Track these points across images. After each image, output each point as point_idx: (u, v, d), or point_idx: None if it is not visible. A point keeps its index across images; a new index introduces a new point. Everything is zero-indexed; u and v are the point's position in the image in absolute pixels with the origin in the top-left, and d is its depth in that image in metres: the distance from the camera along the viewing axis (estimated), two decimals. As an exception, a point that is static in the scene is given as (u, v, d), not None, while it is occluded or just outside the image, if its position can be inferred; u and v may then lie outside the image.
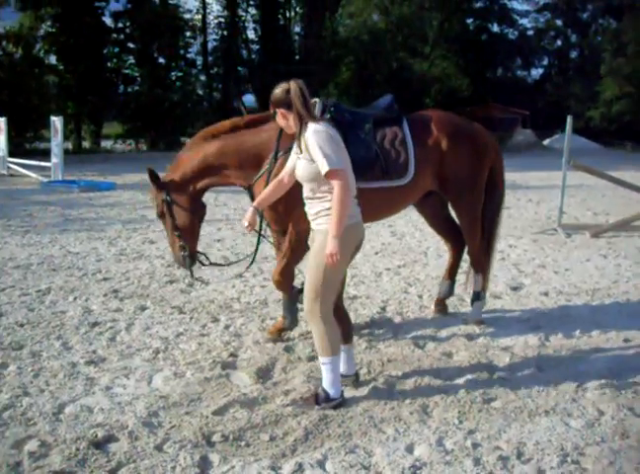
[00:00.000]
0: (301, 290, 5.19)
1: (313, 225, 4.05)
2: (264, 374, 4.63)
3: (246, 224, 4.34)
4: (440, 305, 6.18)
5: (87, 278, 7.28)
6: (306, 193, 4.03)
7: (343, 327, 4.30)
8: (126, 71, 38.57)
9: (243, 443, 3.64)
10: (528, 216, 13.01)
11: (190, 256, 5.15)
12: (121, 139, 37.67)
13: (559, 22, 70.95)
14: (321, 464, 3.42)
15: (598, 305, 6.51)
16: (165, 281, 7.19)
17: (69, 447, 3.53)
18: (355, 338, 5.23)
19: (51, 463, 3.37)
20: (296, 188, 4.22)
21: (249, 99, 50.02)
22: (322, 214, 3.92)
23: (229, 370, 4.69)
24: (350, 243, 3.93)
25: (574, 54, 71.71)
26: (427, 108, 52.74)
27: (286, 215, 4.85)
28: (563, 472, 3.38)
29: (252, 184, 4.98)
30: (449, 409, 4.08)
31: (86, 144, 36.67)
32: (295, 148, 4.06)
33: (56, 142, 18.28)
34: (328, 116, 4.73)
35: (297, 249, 5.08)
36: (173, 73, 39.83)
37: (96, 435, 3.67)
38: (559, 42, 71.52)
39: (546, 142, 50.12)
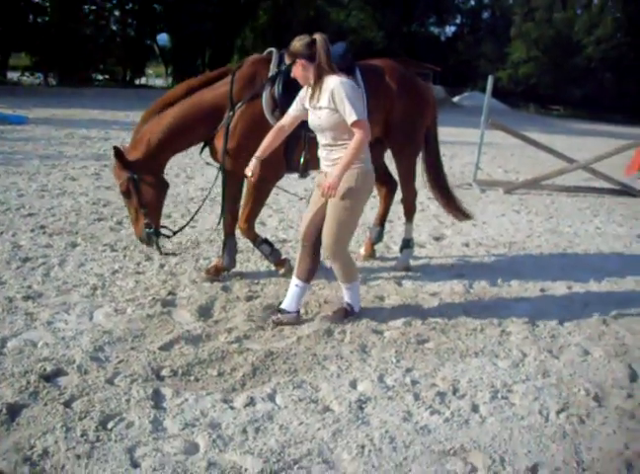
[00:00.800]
0: (265, 240, 5.48)
1: (331, 170, 4.23)
2: (204, 312, 4.72)
3: (250, 174, 4.44)
4: (369, 250, 6.39)
5: (11, 213, 7.10)
6: (326, 140, 4.28)
7: (313, 264, 4.68)
8: (37, 0, 36.80)
9: (192, 378, 3.74)
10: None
11: (155, 232, 5.17)
12: (29, 72, 36.06)
13: (474, -19, 71.81)
14: (271, 398, 3.57)
15: (515, 257, 6.86)
16: (93, 219, 7.10)
17: (19, 381, 3.53)
18: (289, 280, 5.39)
19: (2, 395, 3.37)
20: (253, 135, 4.54)
21: (163, 38, 48.77)
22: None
23: (170, 308, 4.75)
24: (369, 186, 4.43)
25: (485, 15, 72.85)
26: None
27: (245, 163, 4.74)
28: (495, 406, 3.65)
29: (212, 136, 5.03)
30: (387, 348, 4.29)
31: (-9, 75, 35.03)
32: (307, 99, 4.27)
33: (-38, 71, 17.40)
34: (284, 67, 4.75)
35: (261, 195, 5.23)
36: (86, 6, 38.31)
37: (44, 369, 3.68)
38: (472, 2, 72.46)
39: (456, 99, 51.10)
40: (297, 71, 4.23)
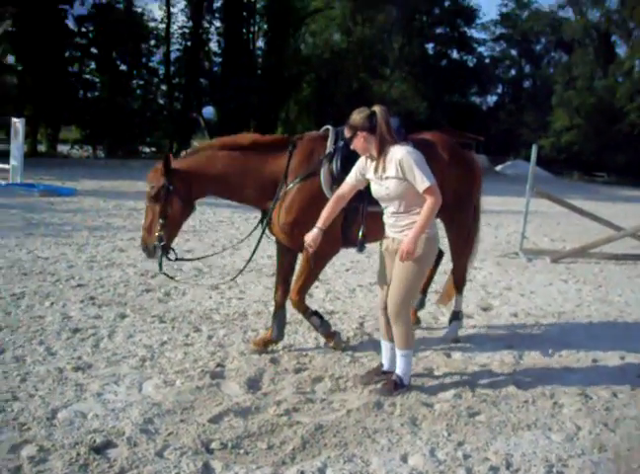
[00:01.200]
0: (315, 312, 5.45)
1: (399, 236, 4.39)
2: (253, 385, 4.71)
3: (311, 244, 4.54)
4: (413, 318, 6.33)
5: (61, 284, 7.25)
6: (394, 208, 4.40)
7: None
8: (87, 76, 38.27)
9: (242, 451, 3.72)
10: (489, 240, 13.30)
11: (163, 247, 5.10)
12: (79, 145, 37.22)
13: (514, 52, 72.74)
14: (322, 472, 3.52)
15: (564, 327, 6.75)
16: (141, 290, 7.20)
17: (69, 452, 3.55)
18: (337, 352, 5.40)
19: (53, 468, 3.40)
20: (310, 210, 4.69)
21: (209, 111, 50.00)
22: (412, 226, 4.32)
23: (219, 380, 4.75)
24: (435, 250, 4.56)
25: (527, 84, 73.50)
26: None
27: (301, 239, 4.82)
28: (550, 483, 3.55)
29: (269, 209, 5.12)
30: (438, 422, 4.23)
31: (42, 148, 36.15)
32: (370, 170, 4.45)
33: (16, 144, 18.05)
34: (341, 142, 4.90)
35: (314, 268, 5.24)
36: (134, 81, 39.70)
37: (94, 441, 3.70)
38: (513, 72, 73.31)
39: (499, 168, 51.14)
40: (358, 143, 4.39)
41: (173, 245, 5.26)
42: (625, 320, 7.22)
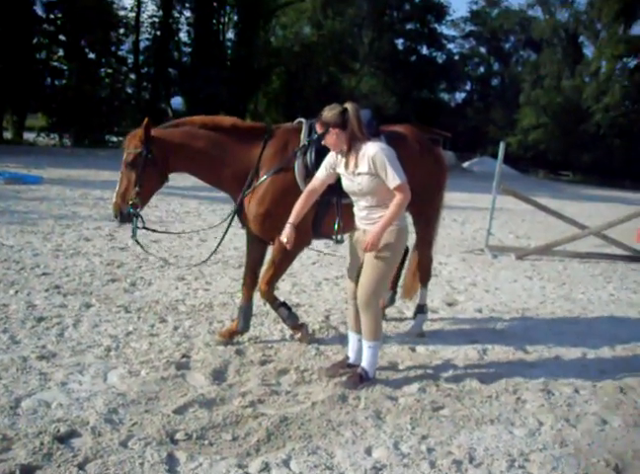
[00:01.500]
0: (283, 303, 5.47)
1: (371, 229, 4.44)
2: (218, 376, 4.70)
3: (285, 241, 4.55)
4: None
5: (26, 272, 7.15)
6: (366, 202, 4.47)
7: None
8: (55, 64, 37.72)
9: (206, 442, 3.72)
10: (455, 236, 13.41)
11: (136, 214, 5.03)
12: (45, 132, 36.68)
13: (483, 49, 73.30)
14: (286, 464, 3.53)
15: (528, 323, 6.82)
16: (107, 280, 7.14)
17: (32, 442, 3.53)
18: (303, 344, 5.42)
19: (16, 457, 3.37)
20: (284, 202, 4.72)
21: (177, 101, 49.66)
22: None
23: (184, 371, 4.73)
24: (404, 242, 4.63)
25: (495, 82, 74.13)
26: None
27: (274, 230, 4.95)
28: (512, 476, 3.61)
29: (241, 198, 5.12)
30: (402, 415, 4.26)
31: (8, 135, 35.58)
32: (341, 165, 4.49)
33: (-19, 132, 17.71)
34: (315, 135, 4.88)
35: (285, 260, 5.26)
36: (102, 69, 39.25)
37: (58, 430, 3.67)
38: (482, 69, 73.90)
39: (465, 165, 51.56)
40: (331, 139, 4.42)
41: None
42: (588, 317, 7.32)
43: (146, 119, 4.91)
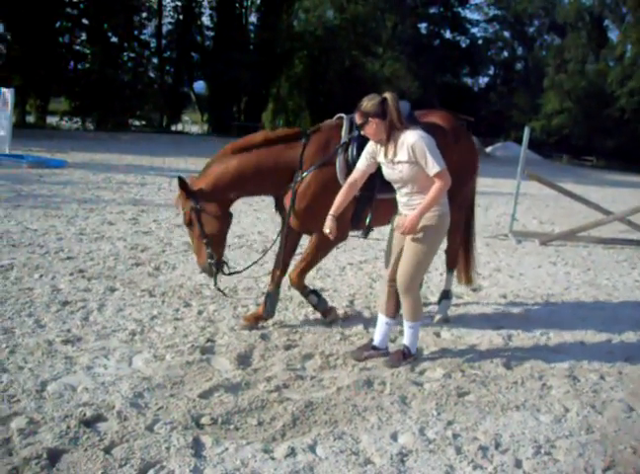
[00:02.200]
0: (314, 291, 5.57)
1: (410, 213, 4.51)
2: (243, 360, 4.71)
3: (328, 231, 4.63)
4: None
5: (50, 256, 7.20)
6: (407, 189, 4.53)
7: (398, 301, 4.86)
8: (78, 48, 37.83)
9: (232, 427, 3.73)
10: (479, 221, 13.25)
11: (216, 264, 5.24)
12: (68, 116, 36.85)
13: (507, 34, 72.50)
14: (312, 449, 3.53)
15: (553, 309, 6.77)
16: (131, 264, 7.16)
17: (59, 425, 3.54)
18: (328, 329, 5.41)
19: (43, 440, 3.38)
20: (325, 197, 4.80)
21: (200, 86, 49.73)
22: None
23: (209, 355, 4.75)
24: (445, 228, 4.66)
25: (519, 66, 73.33)
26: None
27: (313, 222, 5.03)
28: (538, 462, 3.59)
29: (281, 194, 5.24)
30: (427, 401, 4.24)
31: (31, 119, 35.77)
32: (381, 154, 4.53)
33: (5, 115, 17.80)
34: (356, 131, 4.90)
35: (321, 252, 5.35)
36: (125, 54, 39.31)
37: (84, 414, 3.68)
38: (505, 54, 73.10)
39: (488, 150, 51.18)
40: (370, 129, 4.45)
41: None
42: (614, 303, 7.26)
43: (178, 180, 5.14)
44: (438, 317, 6.02)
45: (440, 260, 6.71)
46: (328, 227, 4.62)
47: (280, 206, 5.40)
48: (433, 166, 4.30)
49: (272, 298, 5.47)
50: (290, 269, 5.52)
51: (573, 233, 11.47)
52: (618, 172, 46.50)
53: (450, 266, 6.24)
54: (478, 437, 3.81)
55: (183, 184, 5.09)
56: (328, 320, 5.62)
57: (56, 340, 4.79)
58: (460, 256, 6.42)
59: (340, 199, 4.67)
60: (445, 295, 6.13)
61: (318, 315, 5.74)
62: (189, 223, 5.22)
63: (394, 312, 4.93)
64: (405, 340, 4.88)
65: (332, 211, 4.65)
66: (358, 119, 4.51)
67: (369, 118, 4.40)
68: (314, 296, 5.56)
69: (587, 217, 12.80)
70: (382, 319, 4.95)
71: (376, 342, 4.97)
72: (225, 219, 5.30)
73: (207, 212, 5.13)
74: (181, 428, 3.64)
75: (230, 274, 5.52)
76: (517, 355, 5.25)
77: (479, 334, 5.72)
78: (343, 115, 5.29)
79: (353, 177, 4.70)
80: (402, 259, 4.64)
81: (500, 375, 4.78)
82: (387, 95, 4.43)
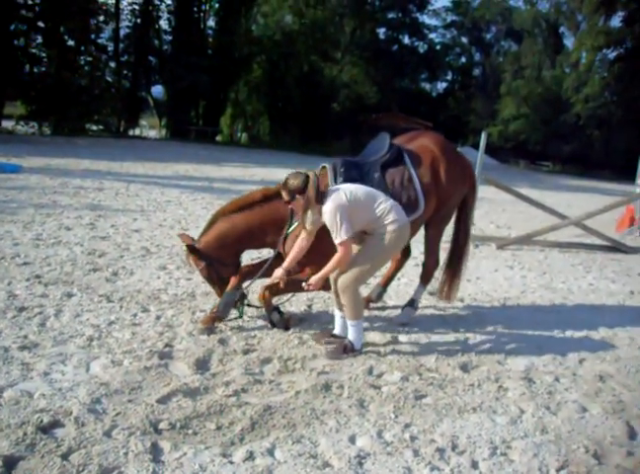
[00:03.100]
0: (276, 308, 5.71)
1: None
2: (202, 365, 4.70)
3: (277, 281, 5.23)
4: (365, 306, 6.41)
5: (6, 262, 7.08)
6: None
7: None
8: (34, 51, 37.23)
9: (191, 431, 3.72)
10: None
11: (240, 298, 5.57)
12: (24, 121, 36.24)
13: (465, 40, 73.37)
14: (270, 452, 3.54)
15: (509, 312, 6.88)
16: (88, 269, 7.09)
17: (15, 432, 3.50)
18: (286, 333, 5.44)
19: (-1, 448, 3.35)
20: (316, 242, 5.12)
21: (158, 90, 49.37)
22: (387, 222, 4.93)
23: (167, 360, 4.73)
24: (399, 241, 5.04)
25: (476, 72, 74.25)
26: (334, 112, 53.41)
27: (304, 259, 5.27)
28: (494, 463, 3.65)
29: (278, 245, 5.56)
30: (385, 404, 4.28)
31: (-15, 124, 35.14)
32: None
33: (-41, 120, 17.45)
34: (341, 178, 5.40)
35: (296, 287, 5.45)
36: (82, 57, 38.80)
37: (41, 421, 3.64)
38: (463, 59, 73.98)
39: (447, 155, 51.59)
40: (298, 205, 4.91)
41: None
42: (568, 306, 7.40)
43: (187, 247, 5.51)
44: (397, 320, 6.08)
45: (408, 266, 6.79)
46: (277, 278, 5.11)
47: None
48: (337, 236, 4.76)
49: (227, 298, 5.53)
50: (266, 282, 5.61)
51: (529, 237, 11.66)
52: (574, 177, 47.35)
53: (423, 279, 6.33)
54: (435, 440, 3.86)
55: (192, 250, 5.48)
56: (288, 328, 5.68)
57: (12, 346, 4.72)
58: (447, 272, 6.51)
59: (295, 255, 5.07)
60: (411, 304, 6.22)
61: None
62: (208, 278, 5.63)
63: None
64: (349, 335, 5.11)
65: (285, 266, 5.09)
66: (284, 197, 4.93)
67: (296, 196, 4.83)
68: (277, 314, 5.66)
69: (543, 222, 13.01)
70: (337, 313, 5.31)
71: (336, 331, 5.33)
72: (238, 265, 5.74)
73: (223, 265, 5.55)
74: (139, 433, 3.62)
75: (249, 306, 5.84)
76: (473, 357, 5.32)
77: (436, 337, 5.79)
78: (326, 164, 5.63)
79: (298, 243, 5.09)
80: (354, 260, 4.96)
81: (457, 378, 4.84)
82: (310, 175, 4.87)
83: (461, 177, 6.06)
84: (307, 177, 4.83)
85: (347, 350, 5.06)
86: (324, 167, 5.63)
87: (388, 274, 6.64)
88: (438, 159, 5.82)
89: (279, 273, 5.08)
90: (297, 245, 5.08)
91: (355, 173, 5.52)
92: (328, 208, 4.78)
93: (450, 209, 6.12)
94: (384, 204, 4.95)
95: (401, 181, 5.60)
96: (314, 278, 4.97)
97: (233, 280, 5.64)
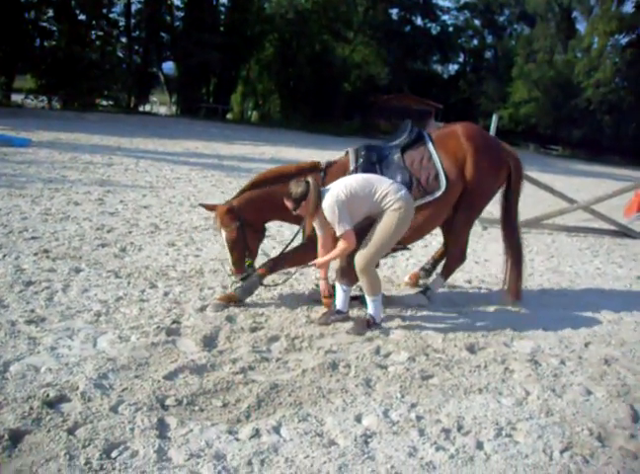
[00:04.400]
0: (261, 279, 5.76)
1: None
2: (209, 342, 4.71)
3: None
4: (414, 279, 6.75)
5: (14, 236, 7.10)
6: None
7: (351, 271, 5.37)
8: (44, 24, 37.08)
9: (197, 408, 3.73)
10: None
11: (253, 269, 5.68)
12: (34, 95, 36.20)
13: (477, 22, 72.76)
14: (277, 430, 3.55)
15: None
16: (97, 245, 7.10)
17: (21, 406, 3.51)
18: (294, 312, 5.44)
19: (5, 421, 3.35)
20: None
21: (169, 66, 49.20)
22: (388, 204, 5.06)
23: (174, 337, 4.74)
24: (407, 220, 5.16)
25: (488, 55, 73.64)
26: (345, 92, 53.20)
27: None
28: (499, 444, 3.65)
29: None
30: (391, 383, 4.28)
31: (-6, 96, 35.11)
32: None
33: (-32, 92, 17.43)
34: (361, 160, 5.64)
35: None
36: (93, 32, 38.66)
37: (47, 395, 3.65)
38: (475, 42, 73.35)
39: (456, 136, 51.36)
40: (304, 210, 5.11)
41: None
42: (575, 290, 7.38)
43: (228, 206, 5.60)
44: (401, 301, 6.13)
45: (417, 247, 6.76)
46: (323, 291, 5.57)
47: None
48: (337, 229, 4.97)
49: (250, 284, 5.63)
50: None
51: (538, 221, 11.62)
52: (583, 161, 47.08)
53: (444, 272, 6.36)
54: (441, 420, 3.86)
55: (229, 208, 5.54)
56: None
57: (19, 320, 4.74)
58: (509, 267, 6.44)
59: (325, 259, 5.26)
60: (425, 291, 6.25)
61: (284, 298, 5.83)
62: (235, 240, 5.57)
63: (350, 281, 5.43)
64: (369, 310, 5.31)
65: (322, 275, 5.57)
66: (289, 206, 5.10)
67: (302, 203, 5.03)
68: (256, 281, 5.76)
69: (552, 206, 12.95)
70: (340, 287, 5.46)
71: (339, 307, 5.47)
72: (263, 234, 5.88)
73: (250, 228, 5.62)
74: (145, 409, 3.63)
75: (265, 286, 5.88)
76: (480, 339, 5.32)
77: (444, 318, 5.78)
78: (349, 149, 5.85)
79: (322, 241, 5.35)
80: (365, 242, 5.13)
81: (463, 359, 4.84)
82: (311, 181, 5.05)
83: (494, 166, 5.98)
84: (308, 183, 5.03)
85: (370, 324, 5.27)
86: (347, 152, 5.84)
87: (439, 253, 6.87)
88: (463, 144, 5.82)
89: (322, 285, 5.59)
90: (323, 248, 5.34)
91: (374, 156, 5.71)
92: (326, 205, 4.98)
93: (481, 197, 6.00)
94: (382, 188, 5.08)
95: (420, 160, 5.69)
96: (319, 260, 5.22)
97: (272, 267, 5.74)
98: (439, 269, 6.65)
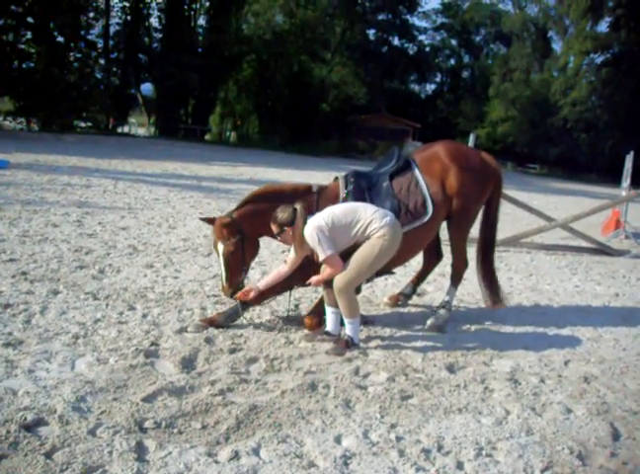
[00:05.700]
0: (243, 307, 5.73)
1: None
2: (187, 364, 4.69)
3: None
4: (394, 300, 6.83)
5: (-9, 259, 7.05)
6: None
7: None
8: (23, 46, 37.01)
9: (176, 431, 3.70)
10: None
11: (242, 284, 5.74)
12: (12, 116, 36.07)
13: (454, 42, 73.65)
14: (256, 452, 3.53)
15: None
16: (75, 266, 7.06)
17: (-2, 430, 3.48)
18: (272, 333, 5.43)
19: (-19, 445, 3.32)
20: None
21: (147, 88, 49.24)
22: (373, 231, 5.13)
23: (153, 359, 4.71)
24: (393, 247, 5.21)
25: (465, 74, 74.51)
26: (323, 112, 53.46)
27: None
28: (479, 464, 3.65)
29: None
30: (371, 404, 4.28)
31: (-28, 119, 34.94)
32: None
33: (-55, 115, 17.33)
34: (351, 186, 5.73)
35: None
36: (71, 53, 38.61)
37: (25, 418, 3.62)
38: (452, 61, 74.26)
39: (435, 156, 51.67)
40: (287, 236, 5.24)
41: None
42: (554, 308, 7.43)
43: (230, 218, 5.59)
44: (431, 325, 6.11)
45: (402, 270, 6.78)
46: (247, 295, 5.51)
47: None
48: (319, 254, 5.09)
49: (233, 311, 5.65)
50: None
51: (516, 239, 11.70)
52: (561, 180, 47.58)
53: (454, 281, 6.52)
54: (421, 440, 3.86)
55: (231, 221, 5.55)
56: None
57: (-4, 343, 4.70)
58: (480, 279, 6.71)
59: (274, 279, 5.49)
60: (443, 306, 6.32)
61: (262, 319, 5.85)
62: (233, 252, 5.56)
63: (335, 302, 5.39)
64: (347, 332, 5.30)
65: (261, 286, 5.51)
66: (273, 229, 5.24)
67: (285, 228, 5.15)
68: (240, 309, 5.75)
69: (530, 224, 13.08)
70: (329, 309, 5.47)
71: (328, 328, 5.50)
72: (258, 247, 5.90)
73: (249, 241, 5.66)
74: (124, 432, 3.60)
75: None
76: (459, 358, 5.34)
77: (423, 338, 5.80)
78: (338, 175, 5.97)
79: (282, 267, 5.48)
80: (346, 265, 5.15)
81: (443, 379, 4.85)
82: (298, 207, 5.17)
83: (478, 181, 6.11)
84: (295, 210, 5.14)
85: (348, 345, 5.25)
86: (336, 178, 5.93)
87: (420, 272, 6.98)
88: (446, 165, 5.97)
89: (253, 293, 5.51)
90: (289, 268, 5.40)
91: (363, 182, 5.81)
92: (307, 232, 5.09)
93: (469, 211, 6.16)
94: (366, 216, 5.17)
95: (408, 187, 5.81)
96: (314, 279, 5.28)
97: (248, 295, 5.64)
98: (425, 285, 6.97)
